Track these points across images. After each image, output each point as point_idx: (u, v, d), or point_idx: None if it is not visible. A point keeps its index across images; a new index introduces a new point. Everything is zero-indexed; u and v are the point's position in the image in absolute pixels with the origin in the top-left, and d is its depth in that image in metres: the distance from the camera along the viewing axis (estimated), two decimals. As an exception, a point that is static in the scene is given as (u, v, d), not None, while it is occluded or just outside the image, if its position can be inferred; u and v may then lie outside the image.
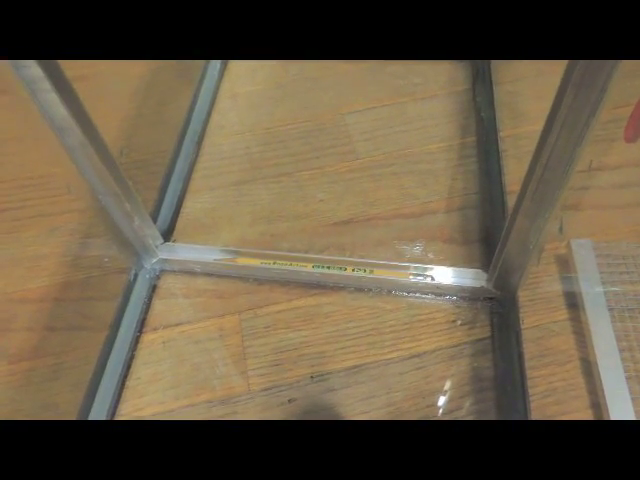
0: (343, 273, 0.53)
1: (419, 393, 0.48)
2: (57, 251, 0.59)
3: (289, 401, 0.48)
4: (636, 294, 0.50)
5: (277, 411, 0.48)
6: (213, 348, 0.52)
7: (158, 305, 0.55)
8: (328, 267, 0.54)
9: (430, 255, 0.56)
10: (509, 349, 0.49)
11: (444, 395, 0.48)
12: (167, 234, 0.59)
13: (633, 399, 0.43)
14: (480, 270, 0.52)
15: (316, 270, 0.54)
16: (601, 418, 0.44)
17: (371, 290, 0.54)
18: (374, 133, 0.67)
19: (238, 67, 0.76)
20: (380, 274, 0.53)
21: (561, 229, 0.54)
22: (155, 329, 0.53)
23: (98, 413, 0.48)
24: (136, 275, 0.56)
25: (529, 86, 0.69)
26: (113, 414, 0.48)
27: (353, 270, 0.53)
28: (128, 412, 0.49)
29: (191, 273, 0.57)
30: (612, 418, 0.43)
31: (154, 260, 0.56)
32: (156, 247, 0.56)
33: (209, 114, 0.71)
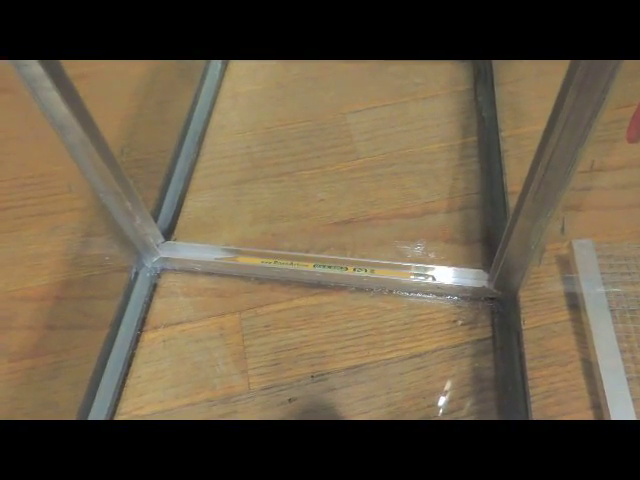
0: (344, 273, 0.53)
1: (419, 393, 0.48)
2: (58, 250, 0.59)
3: (289, 400, 0.48)
4: (637, 295, 0.50)
5: (277, 410, 0.48)
6: (213, 347, 0.52)
7: (159, 304, 0.55)
8: (329, 267, 0.54)
9: (431, 255, 0.56)
10: (510, 349, 0.48)
11: (445, 395, 0.48)
12: (168, 233, 0.59)
13: (634, 400, 0.43)
14: (481, 270, 0.52)
15: (317, 270, 0.54)
16: (602, 419, 0.44)
17: (372, 290, 0.54)
18: (375, 133, 0.67)
19: (239, 67, 0.76)
20: (381, 274, 0.53)
21: (563, 229, 0.54)
22: (156, 328, 0.53)
23: (98, 411, 0.48)
24: (137, 274, 0.56)
25: (531, 86, 0.69)
26: (113, 413, 0.48)
27: (354, 270, 0.53)
28: (128, 411, 0.49)
29: (192, 272, 0.57)
30: (613, 419, 0.43)
31: (155, 259, 0.56)
32: (157, 246, 0.56)
33: (210, 113, 0.71)
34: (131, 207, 0.49)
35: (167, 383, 0.50)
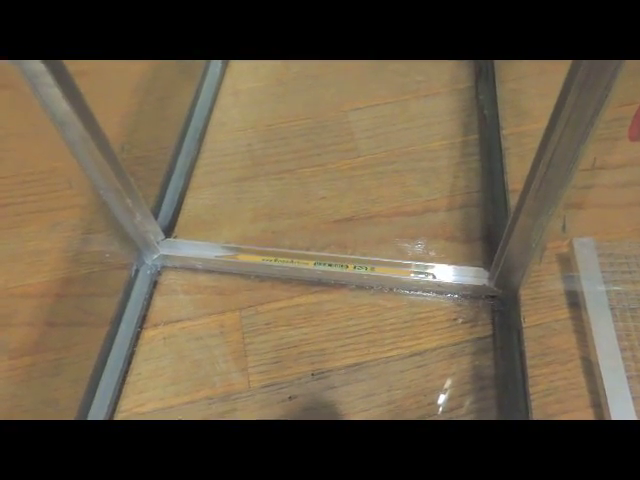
0: (344, 271, 0.53)
1: (420, 391, 0.48)
2: (58, 246, 0.59)
3: (289, 398, 0.48)
4: (638, 294, 0.50)
5: (277, 408, 0.48)
6: (214, 345, 0.52)
7: (159, 301, 0.55)
8: (329, 264, 0.54)
9: (432, 253, 0.56)
10: (510, 348, 0.48)
11: (445, 393, 0.48)
12: (168, 230, 0.59)
13: (634, 398, 0.43)
14: (482, 268, 0.52)
15: (317, 267, 0.54)
16: (602, 417, 0.44)
17: (372, 288, 0.54)
18: (376, 130, 0.67)
19: (240, 64, 0.76)
20: (381, 272, 0.53)
21: (564, 228, 0.54)
22: (156, 325, 0.53)
23: (98, 409, 0.48)
24: (137, 271, 0.56)
25: (532, 84, 0.68)
26: (113, 410, 0.48)
27: (354, 268, 0.53)
28: (128, 408, 0.49)
29: (192, 269, 0.57)
30: (613, 417, 0.43)
31: (155, 256, 0.56)
32: (157, 243, 0.56)
33: (211, 110, 0.71)
34: (131, 204, 0.49)
35: (167, 381, 0.50)
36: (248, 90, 0.73)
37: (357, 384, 0.49)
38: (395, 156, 0.64)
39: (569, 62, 0.30)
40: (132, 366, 0.51)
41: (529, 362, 0.47)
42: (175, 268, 0.57)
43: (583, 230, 0.55)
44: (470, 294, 0.52)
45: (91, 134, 0.41)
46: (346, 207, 0.60)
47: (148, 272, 0.56)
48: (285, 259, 0.54)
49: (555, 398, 0.46)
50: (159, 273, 0.57)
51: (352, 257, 0.54)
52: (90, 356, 0.51)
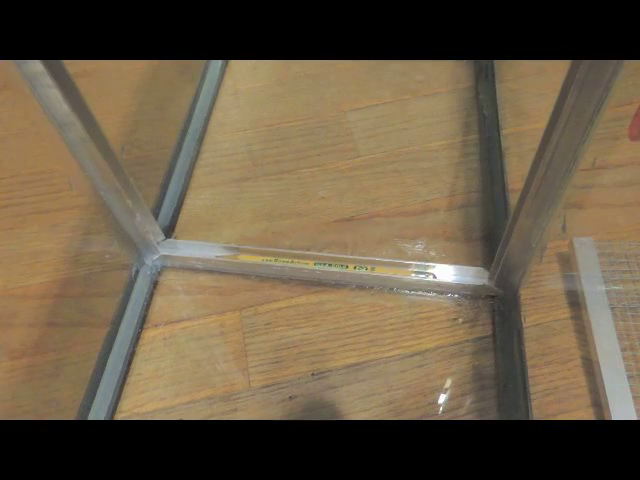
0: (344, 271, 0.53)
1: (420, 391, 0.48)
2: (58, 247, 0.59)
3: (290, 398, 0.48)
4: (638, 293, 0.50)
5: (277, 408, 0.48)
6: (214, 345, 0.52)
7: (159, 301, 0.55)
8: (329, 265, 0.54)
9: (432, 253, 0.56)
10: (510, 347, 0.48)
11: (445, 393, 0.48)
12: (168, 230, 0.59)
13: (634, 398, 0.43)
14: (482, 268, 0.52)
15: (318, 267, 0.54)
16: (602, 417, 0.44)
17: (372, 288, 0.54)
18: (376, 130, 0.67)
19: (240, 64, 0.76)
20: (381, 272, 0.53)
21: (564, 227, 0.54)
22: (156, 325, 0.53)
23: (99, 409, 0.48)
24: (137, 271, 0.56)
25: (532, 84, 0.68)
26: (114, 410, 0.48)
27: (354, 268, 0.53)
28: (129, 408, 0.49)
29: (192, 270, 0.57)
30: (613, 417, 0.43)
31: (155, 256, 0.56)
32: (157, 243, 0.56)
33: (211, 111, 0.71)
34: (132, 204, 0.49)
35: (167, 381, 0.50)
36: (248, 90, 0.73)
37: (357, 384, 0.49)
38: (395, 156, 0.64)
39: (569, 62, 0.30)
40: (132, 366, 0.51)
41: (529, 362, 0.47)
42: (175, 268, 0.57)
43: (583, 230, 0.55)
44: (470, 294, 0.52)
45: (91, 135, 0.42)
46: (346, 207, 0.60)
47: (148, 272, 0.56)
48: (285, 259, 0.54)
49: (555, 397, 0.46)
50: (159, 273, 0.57)
51: (352, 257, 0.54)
52: (90, 356, 0.51)
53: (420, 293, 0.53)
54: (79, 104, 0.40)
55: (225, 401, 0.48)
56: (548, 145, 0.35)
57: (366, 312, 0.53)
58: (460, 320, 0.51)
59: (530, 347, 0.49)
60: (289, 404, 0.48)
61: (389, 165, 0.63)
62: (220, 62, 0.75)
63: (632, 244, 0.53)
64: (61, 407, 0.49)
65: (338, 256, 0.54)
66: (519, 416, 0.44)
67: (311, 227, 0.59)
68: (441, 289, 0.53)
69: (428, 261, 0.53)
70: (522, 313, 0.50)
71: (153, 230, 0.54)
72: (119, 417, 0.48)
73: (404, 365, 0.49)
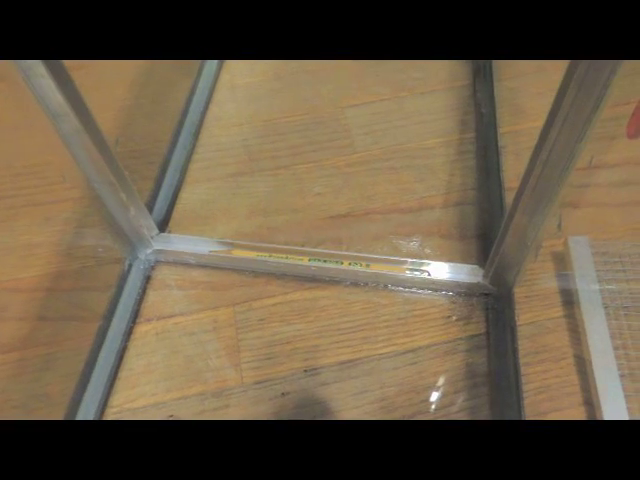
0: (339, 267, 0.53)
1: (413, 388, 0.48)
2: (51, 240, 0.58)
3: (282, 394, 0.48)
4: (632, 292, 0.50)
5: (270, 404, 0.48)
6: (207, 340, 0.51)
7: (152, 296, 0.55)
8: (324, 261, 0.54)
9: (427, 250, 0.56)
10: (504, 345, 0.49)
11: (438, 391, 0.48)
12: (162, 225, 0.58)
13: (626, 397, 0.44)
14: (476, 266, 0.52)
15: (312, 264, 0.53)
16: (594, 415, 0.45)
17: (367, 284, 0.54)
18: (373, 127, 0.67)
19: (238, 60, 0.76)
20: (376, 269, 0.53)
21: (559, 226, 0.54)
22: (149, 320, 0.53)
23: (89, 404, 0.47)
24: (130, 266, 0.56)
25: (530, 82, 0.68)
26: (104, 405, 0.48)
27: (349, 264, 0.53)
28: (120, 403, 0.48)
29: (186, 264, 0.56)
30: (605, 415, 0.43)
31: (149, 251, 0.56)
32: (151, 238, 0.55)
33: (207, 105, 0.70)
34: (125, 198, 0.49)
35: (159, 376, 0.50)
36: (245, 85, 0.72)
37: (350, 381, 0.48)
38: (391, 153, 0.64)
39: (567, 61, 0.30)
40: (124, 361, 0.51)
41: (522, 360, 0.47)
42: (169, 263, 0.57)
43: (578, 229, 0.55)
44: (465, 291, 0.52)
45: (85, 127, 0.41)
46: (342, 203, 0.60)
47: (141, 267, 0.56)
48: (280, 255, 0.54)
49: (548, 396, 0.47)
50: (152, 268, 0.56)
51: (347, 254, 0.54)
52: (82, 351, 0.50)
53: (414, 290, 0.53)
54: (73, 94, 0.39)
55: (217, 397, 0.48)
56: (545, 144, 0.35)
57: (360, 309, 0.53)
58: (454, 318, 0.51)
59: (523, 345, 0.49)
60: (281, 400, 0.48)
61: (385, 162, 0.63)
62: (217, 56, 0.75)
63: (626, 244, 0.53)
64: (51, 402, 0.48)
65: (333, 252, 0.54)
66: (511, 414, 0.44)
67: (306, 223, 0.59)
68: (435, 286, 0.53)
69: (423, 258, 0.53)
70: (516, 311, 0.50)
71: (147, 224, 0.54)
72: (110, 412, 0.48)
73: (397, 362, 0.49)
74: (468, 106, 0.68)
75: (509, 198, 0.43)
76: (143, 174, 0.63)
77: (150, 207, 0.59)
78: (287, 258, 0.54)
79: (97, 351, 0.50)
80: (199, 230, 0.59)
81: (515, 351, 0.47)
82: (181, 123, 0.67)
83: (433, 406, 0.47)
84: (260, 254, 0.54)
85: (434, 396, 0.47)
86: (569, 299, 0.51)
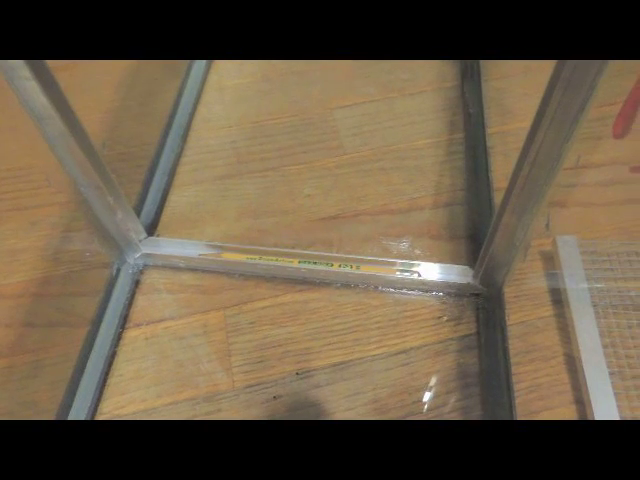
0: (329, 269, 0.53)
1: (405, 389, 0.48)
2: (37, 245, 0.57)
3: (274, 398, 0.48)
4: (620, 291, 0.50)
5: (262, 408, 0.47)
6: (197, 344, 0.51)
7: (141, 301, 0.54)
8: (314, 263, 0.53)
9: (417, 251, 0.56)
10: (494, 345, 0.49)
11: (429, 391, 0.48)
12: (151, 228, 0.58)
13: (616, 394, 0.44)
14: (466, 266, 0.52)
15: (302, 266, 0.53)
16: (585, 413, 0.45)
17: (358, 286, 0.54)
18: (362, 128, 0.67)
19: (225, 60, 0.75)
20: (367, 270, 0.53)
21: (548, 226, 0.54)
22: (138, 325, 0.52)
23: (78, 411, 0.47)
24: (119, 270, 0.55)
25: (517, 83, 0.69)
26: (94, 412, 0.47)
27: (339, 266, 0.53)
28: (109, 410, 0.48)
29: (175, 268, 0.56)
30: (595, 413, 0.43)
31: (137, 255, 0.55)
32: (139, 241, 0.55)
33: (195, 107, 0.70)
34: (113, 202, 0.48)
35: (149, 382, 0.49)
36: (233, 86, 0.72)
37: (342, 383, 0.48)
38: (381, 154, 0.64)
39: (554, 62, 0.30)
40: (113, 367, 0.50)
41: (513, 359, 0.47)
42: (157, 267, 0.56)
43: (566, 228, 0.55)
44: (455, 292, 0.53)
45: (71, 130, 0.40)
46: (331, 205, 0.60)
47: (130, 271, 0.55)
48: (270, 257, 0.54)
49: (538, 395, 0.47)
50: (141, 272, 0.56)
51: (337, 255, 0.54)
52: (70, 357, 0.49)
53: (405, 291, 0.53)
54: (58, 97, 0.39)
55: (208, 402, 0.48)
56: (533, 144, 0.35)
57: (351, 310, 0.52)
58: (445, 318, 0.52)
59: (514, 345, 0.49)
60: (273, 404, 0.47)
61: (375, 163, 0.63)
62: (204, 57, 0.74)
63: (614, 243, 0.54)
64: (39, 409, 0.48)
65: (323, 254, 0.54)
66: (503, 413, 0.45)
67: (296, 225, 0.59)
68: (426, 287, 0.53)
69: (413, 259, 0.53)
70: (506, 311, 0.50)
71: (135, 228, 0.53)
72: (99, 419, 0.47)
73: (389, 363, 0.49)
74: (456, 107, 0.68)
75: (498, 198, 0.43)
76: (131, 177, 0.62)
77: (138, 210, 0.58)
78: (277, 260, 0.54)
79: (86, 357, 0.49)
80: (188, 233, 0.58)
81: (506, 351, 0.47)
82: (169, 125, 0.67)
83: (426, 407, 0.47)
84: (250, 257, 0.54)
85: (426, 397, 0.47)
86: (558, 298, 0.51)
